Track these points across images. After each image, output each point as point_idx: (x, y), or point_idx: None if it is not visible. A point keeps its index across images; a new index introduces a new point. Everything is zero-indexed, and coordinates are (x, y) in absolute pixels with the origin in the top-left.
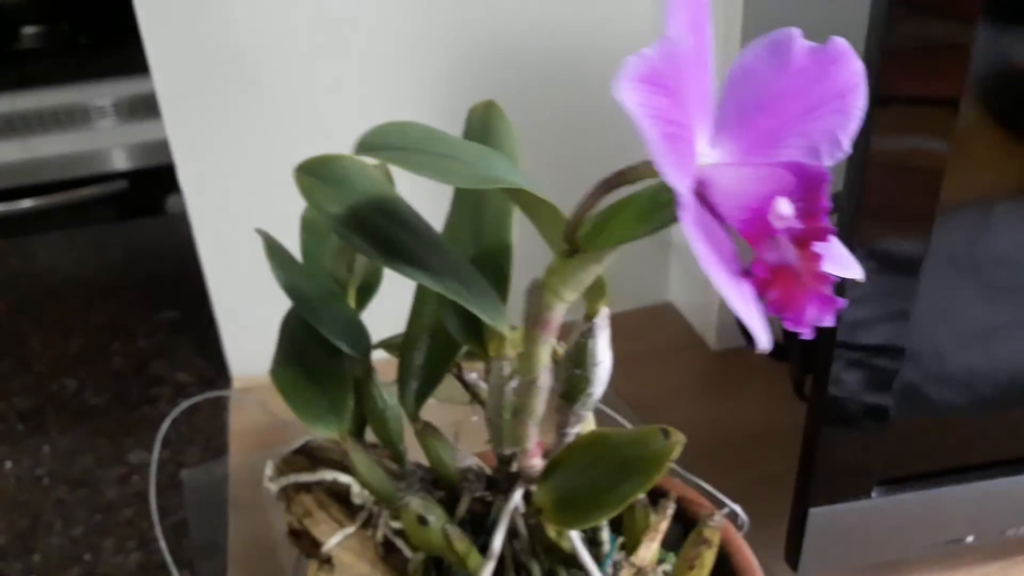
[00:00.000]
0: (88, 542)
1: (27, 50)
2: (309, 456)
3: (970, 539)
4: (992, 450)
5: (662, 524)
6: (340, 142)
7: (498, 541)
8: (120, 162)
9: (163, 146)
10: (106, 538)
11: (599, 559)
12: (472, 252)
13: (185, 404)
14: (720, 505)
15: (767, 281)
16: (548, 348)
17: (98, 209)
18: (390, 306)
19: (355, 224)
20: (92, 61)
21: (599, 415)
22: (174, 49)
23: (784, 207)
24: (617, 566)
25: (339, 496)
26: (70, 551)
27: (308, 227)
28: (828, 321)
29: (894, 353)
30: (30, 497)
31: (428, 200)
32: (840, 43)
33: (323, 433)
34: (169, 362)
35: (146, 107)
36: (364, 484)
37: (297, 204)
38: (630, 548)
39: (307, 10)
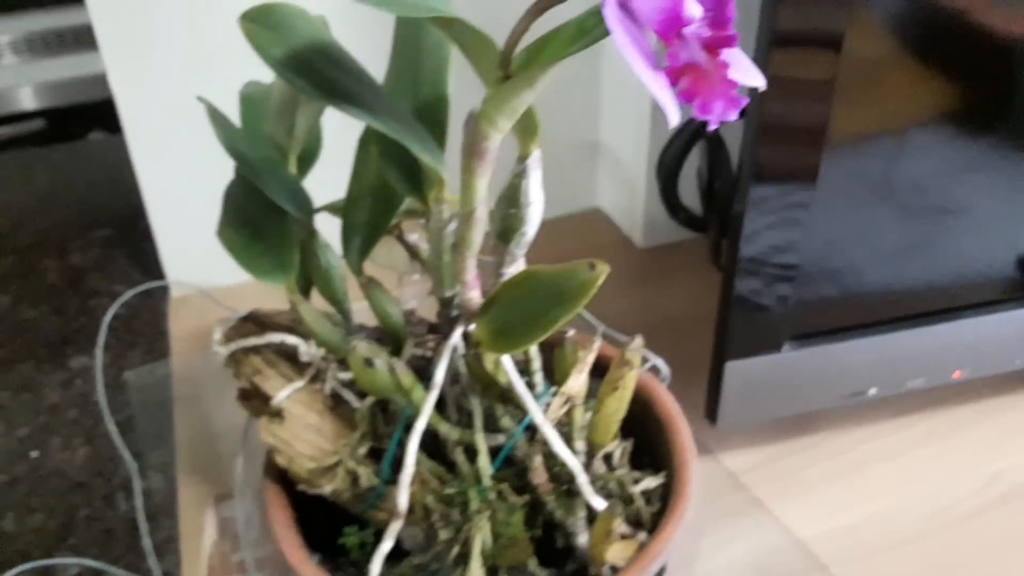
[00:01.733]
0: (33, 441)
1: None
2: (256, 322)
3: (873, 391)
4: (892, 308)
5: (589, 357)
6: None
7: (440, 372)
8: (28, 101)
9: (77, 84)
10: (52, 437)
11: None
12: (411, 103)
13: (125, 296)
14: (644, 361)
15: (678, 72)
16: (485, 180)
17: (14, 151)
18: (329, 176)
19: (297, 66)
20: None
21: None
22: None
23: (692, 7)
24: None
25: (287, 356)
26: (16, 449)
27: (247, 102)
28: (732, 117)
29: (798, 213)
30: None
31: (367, 54)
32: None
33: (272, 284)
34: (105, 275)
35: (53, 43)
36: (312, 334)
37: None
38: (560, 382)
39: None
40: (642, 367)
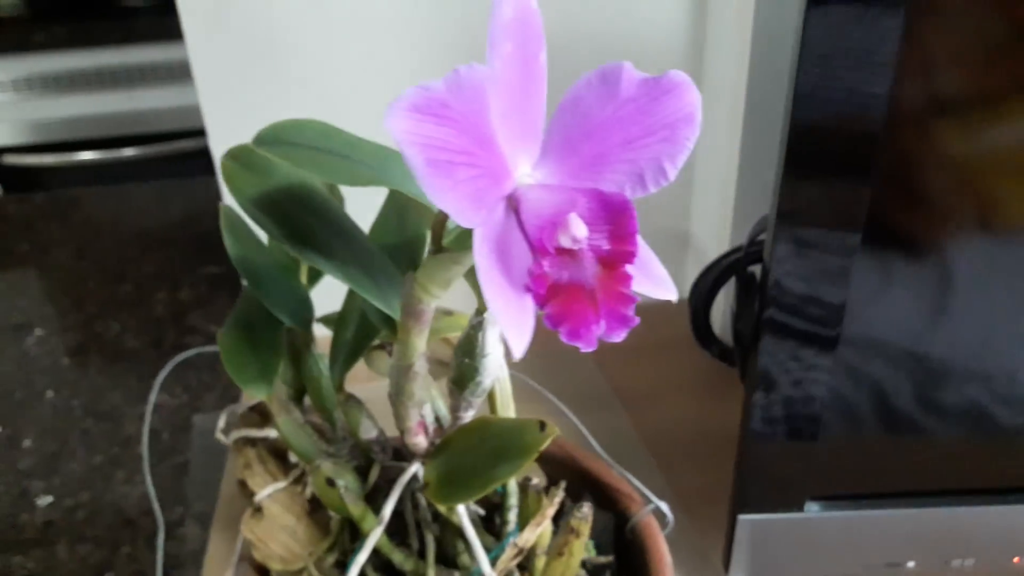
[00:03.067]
0: (103, 471)
1: (132, 7)
2: (261, 414)
3: (911, 565)
4: (936, 477)
5: (549, 510)
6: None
7: (388, 507)
8: None
9: None
10: (119, 469)
11: (501, 538)
12: (395, 241)
13: (189, 353)
14: (647, 501)
15: (544, 296)
16: (422, 338)
17: (191, 162)
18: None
19: (266, 207)
20: None
21: (586, 402)
22: (208, 23)
23: (577, 226)
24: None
25: (280, 454)
26: (88, 476)
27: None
28: (618, 338)
29: (823, 359)
30: (62, 425)
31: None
32: (676, 75)
33: (254, 394)
34: (205, 313)
35: None
36: (286, 442)
37: None
38: (521, 524)
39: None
40: (645, 509)
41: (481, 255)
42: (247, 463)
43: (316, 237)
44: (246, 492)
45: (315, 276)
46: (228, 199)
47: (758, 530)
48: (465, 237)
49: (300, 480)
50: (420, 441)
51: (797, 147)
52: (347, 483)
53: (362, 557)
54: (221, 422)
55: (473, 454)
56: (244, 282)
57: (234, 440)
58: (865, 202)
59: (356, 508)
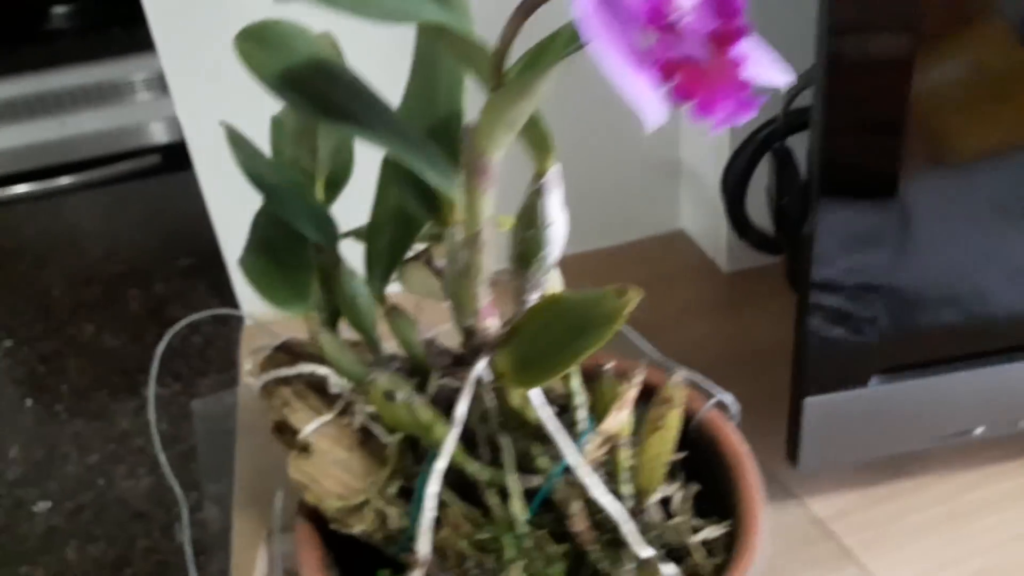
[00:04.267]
0: (102, 469)
1: (58, 29)
2: (289, 352)
3: (980, 431)
4: (1001, 335)
5: (629, 393)
6: None
7: (461, 408)
8: (160, 135)
9: None
10: (119, 465)
11: (575, 438)
12: (426, 123)
13: (177, 326)
14: (709, 395)
15: (666, 69)
16: (489, 199)
17: (134, 183)
18: (365, 200)
19: (291, 82)
20: (125, 36)
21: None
22: (178, 27)
23: None
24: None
25: (317, 388)
26: (85, 477)
27: (276, 126)
28: (742, 120)
29: (879, 226)
30: (47, 431)
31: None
32: None
33: (289, 312)
34: (185, 304)
35: None
36: (333, 365)
37: None
38: (599, 417)
39: None
40: (708, 402)
41: (590, 25)
42: (284, 402)
43: (348, 108)
44: (287, 434)
45: (331, 193)
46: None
47: (823, 412)
48: (535, 69)
49: (346, 411)
50: (491, 325)
51: None
52: (407, 394)
53: (442, 464)
54: (248, 364)
55: (549, 332)
56: (260, 207)
57: (265, 383)
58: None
59: (424, 415)
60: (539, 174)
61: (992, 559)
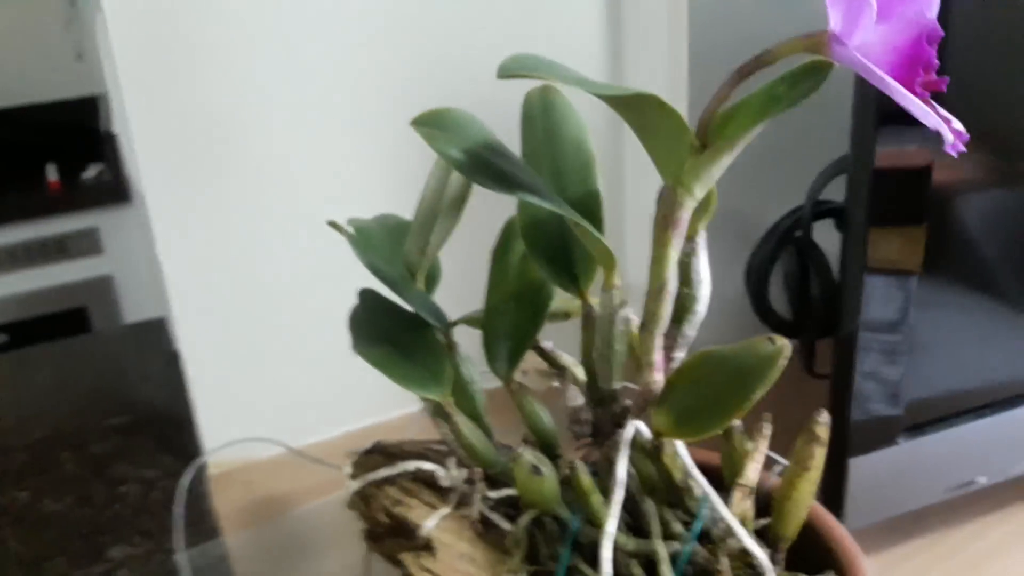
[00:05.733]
0: None
1: None
2: (383, 453)
3: (983, 480)
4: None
5: (762, 445)
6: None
7: (621, 467)
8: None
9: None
10: None
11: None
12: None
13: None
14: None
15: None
16: (677, 251)
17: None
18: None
19: (475, 163)
20: None
21: None
22: (159, 148)
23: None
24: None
25: (425, 483)
26: None
27: (360, 233)
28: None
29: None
30: None
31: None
32: None
33: (428, 395)
34: (131, 461)
35: (20, 257)
36: (466, 448)
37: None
38: (731, 477)
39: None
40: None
41: (886, 79)
42: (395, 501)
43: (522, 182)
44: (390, 542)
45: (429, 288)
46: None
47: (863, 470)
48: (736, 128)
49: (462, 503)
50: (659, 379)
51: None
52: (551, 468)
53: (611, 527)
54: (347, 468)
55: (708, 385)
56: (354, 307)
57: (361, 488)
58: None
59: (586, 479)
60: (691, 236)
61: None
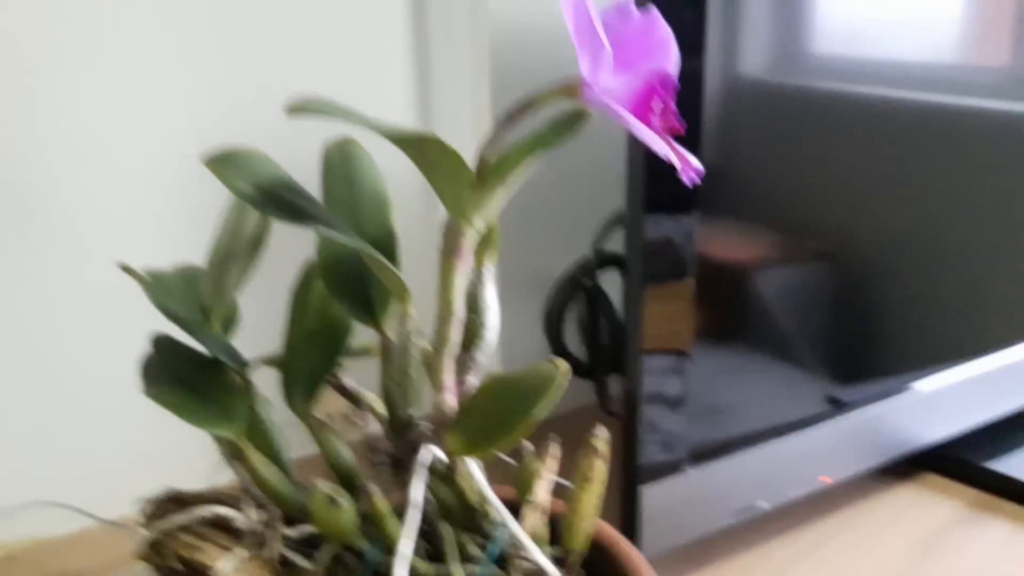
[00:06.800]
0: None
1: None
2: (176, 502)
3: (761, 503)
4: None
5: (550, 464)
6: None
7: (416, 490)
8: None
9: None
10: None
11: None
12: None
13: None
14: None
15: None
16: (464, 279)
17: None
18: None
19: (267, 197)
20: None
21: None
22: None
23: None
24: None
25: (223, 528)
26: None
27: (156, 280)
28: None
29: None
30: None
31: None
32: (654, 12)
33: (221, 433)
34: None
35: None
36: (262, 486)
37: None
38: (523, 496)
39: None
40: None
41: (625, 114)
42: (189, 546)
43: (315, 215)
44: None
45: (228, 327)
46: None
47: (654, 497)
48: (509, 166)
49: (259, 545)
50: (451, 400)
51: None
52: (347, 499)
53: (407, 548)
54: (140, 516)
55: (498, 406)
56: (146, 354)
57: (154, 539)
58: None
59: (382, 504)
60: (477, 267)
61: None
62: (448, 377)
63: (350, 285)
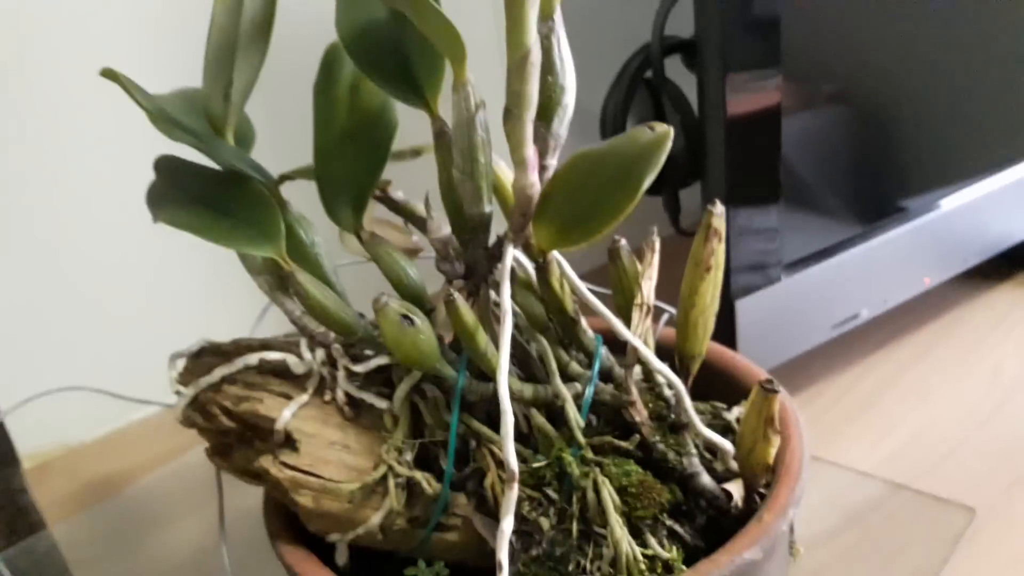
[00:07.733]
0: None
1: None
2: (215, 354)
3: (864, 312)
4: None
5: (653, 260)
6: None
7: (505, 294)
8: None
9: None
10: None
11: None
12: None
13: None
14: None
15: None
16: (535, 12)
17: None
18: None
19: None
20: None
21: None
22: None
23: None
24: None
25: (274, 374)
26: None
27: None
28: None
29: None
30: None
31: None
32: None
33: (263, 253)
34: None
35: None
36: (318, 313)
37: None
38: (625, 303)
39: None
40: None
41: None
42: (240, 398)
43: None
44: (236, 457)
45: (242, 145)
46: None
47: (750, 310)
48: None
49: (321, 387)
50: (535, 180)
51: None
52: (422, 320)
53: (504, 359)
54: (173, 373)
55: (589, 184)
56: (152, 183)
57: (193, 398)
58: None
59: (469, 316)
60: (546, 15)
61: (912, 425)
62: (529, 149)
63: (385, 57)
